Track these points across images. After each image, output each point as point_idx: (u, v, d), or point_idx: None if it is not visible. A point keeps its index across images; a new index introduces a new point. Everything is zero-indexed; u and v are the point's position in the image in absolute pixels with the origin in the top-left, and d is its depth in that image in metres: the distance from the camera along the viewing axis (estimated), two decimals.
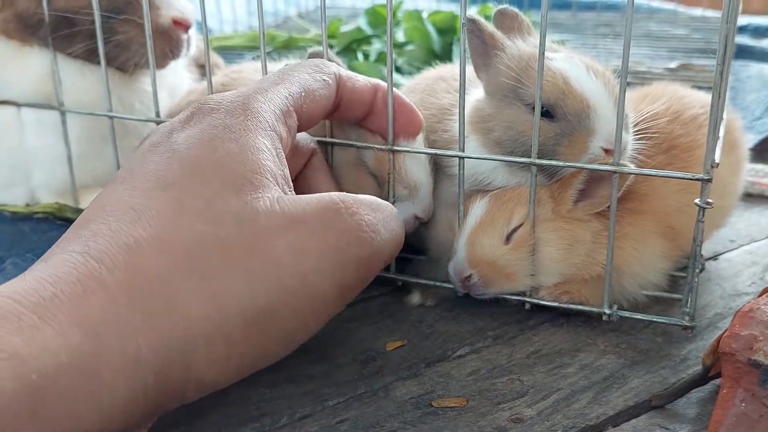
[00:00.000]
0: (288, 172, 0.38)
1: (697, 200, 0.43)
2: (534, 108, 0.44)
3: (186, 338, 0.31)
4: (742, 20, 1.25)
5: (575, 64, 0.47)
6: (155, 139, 0.37)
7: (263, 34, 0.50)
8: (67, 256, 0.31)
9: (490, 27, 0.49)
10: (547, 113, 0.46)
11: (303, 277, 0.33)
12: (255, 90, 0.39)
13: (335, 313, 0.36)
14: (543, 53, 0.43)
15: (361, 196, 0.37)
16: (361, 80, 0.46)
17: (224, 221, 0.32)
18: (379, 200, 0.39)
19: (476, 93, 0.50)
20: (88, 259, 0.30)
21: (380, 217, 0.38)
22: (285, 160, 0.38)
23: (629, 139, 0.48)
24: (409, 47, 1.08)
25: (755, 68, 1.02)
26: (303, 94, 0.41)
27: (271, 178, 0.35)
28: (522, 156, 0.46)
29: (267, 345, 0.34)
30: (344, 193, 0.37)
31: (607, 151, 0.45)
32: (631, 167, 0.45)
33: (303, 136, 0.46)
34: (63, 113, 0.60)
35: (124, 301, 0.29)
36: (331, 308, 0.36)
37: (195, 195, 0.33)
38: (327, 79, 0.43)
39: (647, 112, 0.50)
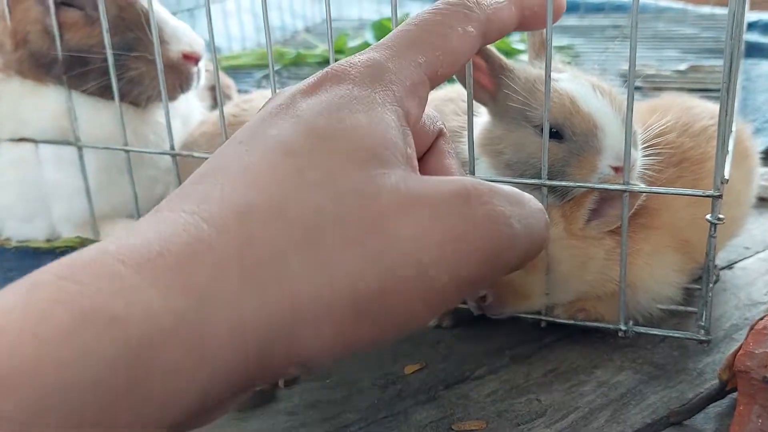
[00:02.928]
0: (414, 152, 0.35)
1: (708, 216, 0.44)
2: (542, 129, 0.45)
3: (294, 316, 0.28)
4: (752, 16, 1.24)
5: (581, 84, 0.47)
6: (279, 102, 0.34)
7: (271, 57, 0.51)
8: (175, 215, 0.28)
9: (495, 51, 0.49)
10: (555, 134, 0.46)
11: (419, 265, 0.31)
12: (387, 55, 0.36)
13: (452, 305, 0.33)
14: (549, 75, 0.44)
15: (500, 186, 0.34)
16: (505, 8, 0.39)
17: (345, 196, 0.30)
18: (523, 194, 0.35)
19: (485, 115, 0.51)
20: (198, 220, 0.28)
21: (518, 212, 0.34)
22: (411, 139, 0.35)
23: (638, 156, 0.48)
24: None
25: (766, 66, 1.01)
26: (441, 57, 0.36)
27: (399, 155, 0.33)
28: (533, 177, 0.47)
29: (375, 332, 0.31)
30: (480, 180, 0.34)
31: (616, 169, 0.46)
32: (641, 186, 0.45)
33: (429, 115, 0.42)
34: (80, 148, 0.61)
35: (232, 269, 0.27)
36: (446, 300, 0.32)
37: (317, 166, 0.31)
38: (472, 30, 0.38)
39: (656, 126, 0.51)
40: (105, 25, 0.55)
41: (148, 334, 0.24)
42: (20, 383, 0.22)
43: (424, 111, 0.38)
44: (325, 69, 0.35)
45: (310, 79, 0.35)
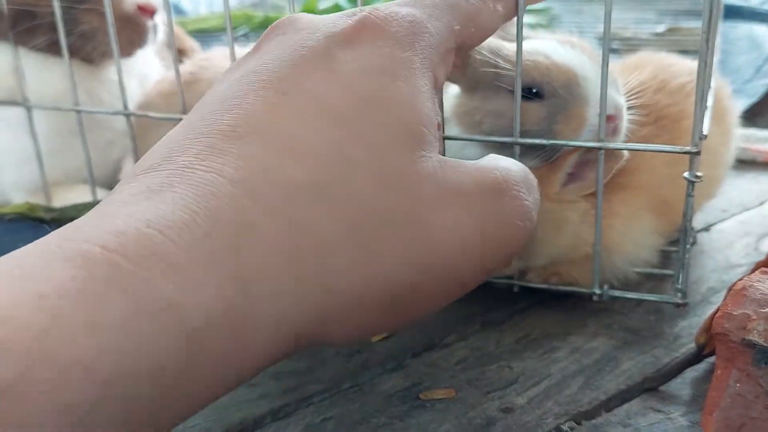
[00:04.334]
0: (441, 119, 0.34)
1: (686, 174, 0.42)
2: (520, 91, 0.43)
3: (328, 308, 0.28)
4: None
5: (548, 40, 0.46)
6: (309, 43, 0.31)
7: (229, 18, 0.48)
8: (213, 179, 0.26)
9: None
10: (536, 94, 0.44)
11: (452, 259, 0.30)
12: (427, 14, 0.34)
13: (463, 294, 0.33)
14: (521, 28, 0.41)
15: (517, 171, 0.33)
16: None
17: (390, 182, 0.29)
18: (529, 173, 0.34)
19: (455, 86, 0.48)
20: (241, 195, 0.26)
21: (533, 198, 0.34)
22: (438, 106, 0.34)
23: (623, 102, 0.45)
24: None
25: (744, 29, 1.00)
26: (472, 30, 0.35)
27: (434, 131, 0.31)
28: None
29: (396, 321, 0.31)
30: (504, 166, 0.33)
31: (607, 117, 0.43)
32: (617, 143, 0.43)
33: None
34: (29, 109, 0.57)
35: (278, 258, 0.26)
36: (465, 291, 0.32)
37: (361, 140, 0.29)
38: (500, 9, 0.37)
39: (633, 83, 0.49)
40: None
41: (200, 321, 0.24)
42: (80, 374, 0.21)
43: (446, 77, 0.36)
44: (363, 14, 0.32)
45: (345, 23, 0.32)
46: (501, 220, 0.31)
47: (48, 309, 0.21)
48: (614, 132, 0.44)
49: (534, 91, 0.44)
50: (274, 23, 0.34)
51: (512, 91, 0.43)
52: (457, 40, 0.35)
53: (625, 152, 0.44)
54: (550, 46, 0.45)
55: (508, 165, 0.33)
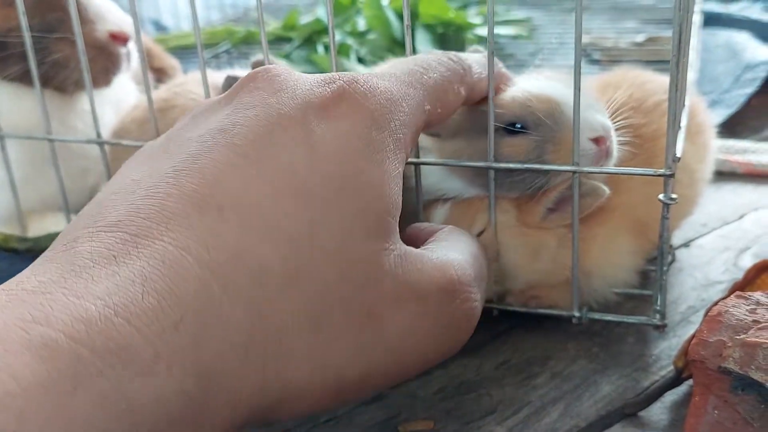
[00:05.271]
0: (400, 193, 0.34)
1: (660, 196, 0.42)
2: (504, 128, 0.43)
3: (281, 394, 0.29)
4: None
5: (521, 78, 0.46)
6: (286, 109, 0.31)
7: (200, 41, 0.47)
8: (182, 257, 0.26)
9: None
10: (521, 129, 0.43)
11: (400, 358, 0.32)
12: (403, 93, 0.34)
13: None
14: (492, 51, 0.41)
15: (471, 266, 0.35)
16: (484, 80, 0.41)
17: (353, 273, 0.30)
18: (483, 266, 0.37)
19: None
20: (208, 275, 0.26)
21: (483, 287, 0.36)
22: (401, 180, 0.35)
23: (610, 123, 0.45)
24: (371, 36, 1.05)
25: (723, 36, 1.00)
26: (439, 111, 0.37)
27: (397, 219, 0.32)
28: (504, 180, 0.44)
29: (344, 404, 0.35)
30: (460, 263, 0.34)
31: (596, 141, 0.43)
32: (591, 168, 0.43)
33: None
34: (2, 138, 0.57)
35: (240, 347, 0.27)
36: (410, 378, 0.35)
37: (331, 226, 0.29)
38: (462, 91, 0.38)
39: (609, 102, 0.48)
40: (21, 7, 0.51)
41: (160, 420, 0.24)
42: None
43: None
44: (341, 84, 0.32)
45: (323, 92, 0.32)
46: (450, 322, 0.33)
47: (15, 409, 0.21)
48: (606, 154, 0.43)
49: (518, 126, 0.43)
50: (250, 75, 0.34)
51: (497, 129, 0.43)
52: (426, 120, 0.36)
53: (606, 190, 0.44)
54: (526, 80, 0.45)
55: (463, 261, 0.34)
